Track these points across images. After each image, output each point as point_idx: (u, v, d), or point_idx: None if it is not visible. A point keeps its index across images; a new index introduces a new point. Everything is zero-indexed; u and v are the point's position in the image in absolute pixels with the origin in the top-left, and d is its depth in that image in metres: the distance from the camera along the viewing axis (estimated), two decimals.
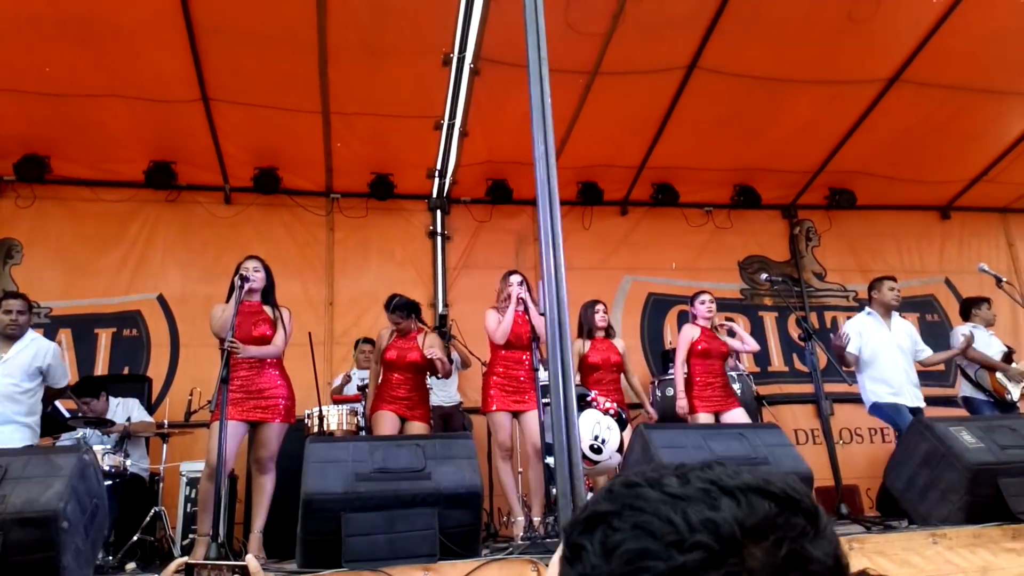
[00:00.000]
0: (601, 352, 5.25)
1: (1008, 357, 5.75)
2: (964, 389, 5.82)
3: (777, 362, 7.67)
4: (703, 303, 5.40)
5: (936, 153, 7.25)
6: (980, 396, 5.68)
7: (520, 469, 5.01)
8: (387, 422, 4.66)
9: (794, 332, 7.52)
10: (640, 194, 7.70)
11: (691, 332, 5.32)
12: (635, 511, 0.61)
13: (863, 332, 5.39)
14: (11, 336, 4.43)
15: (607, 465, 4.19)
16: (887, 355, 5.28)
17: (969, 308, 6.12)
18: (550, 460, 3.54)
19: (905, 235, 8.30)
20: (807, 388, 6.93)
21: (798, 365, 7.56)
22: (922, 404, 5.28)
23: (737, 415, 5.13)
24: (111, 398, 5.42)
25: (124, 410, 5.39)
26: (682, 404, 5.14)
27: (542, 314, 3.50)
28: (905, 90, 6.35)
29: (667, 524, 0.59)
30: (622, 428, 4.37)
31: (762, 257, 8.13)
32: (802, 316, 7.57)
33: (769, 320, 7.87)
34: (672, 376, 5.74)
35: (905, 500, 3.78)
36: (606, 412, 4.22)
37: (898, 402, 5.18)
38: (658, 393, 5.88)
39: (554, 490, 3.19)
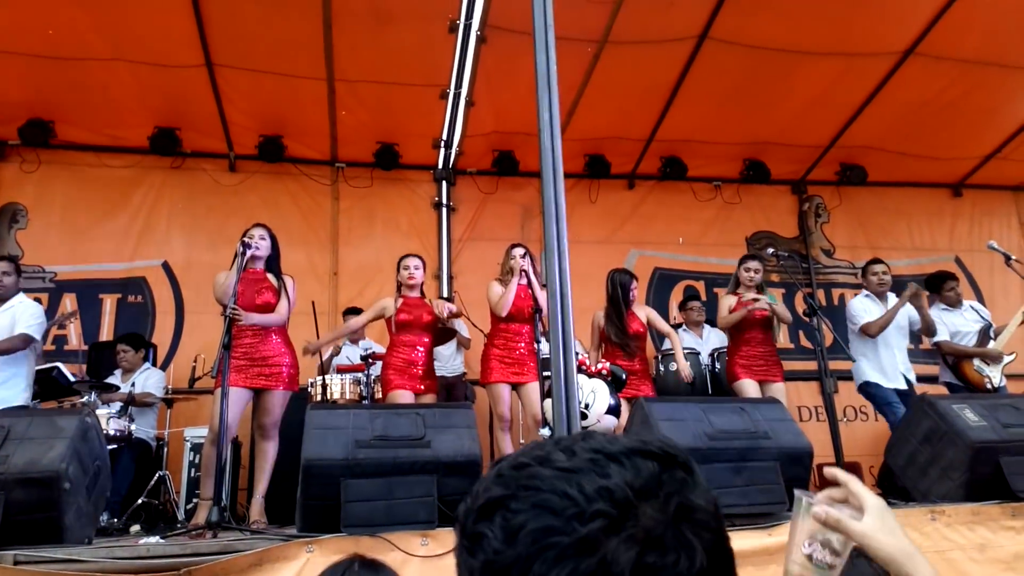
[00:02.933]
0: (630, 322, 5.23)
1: (985, 333, 5.56)
2: (944, 375, 5.69)
3: (782, 339, 7.61)
4: (748, 270, 5.34)
5: (949, 129, 7.13)
6: (959, 384, 5.54)
7: (522, 440, 5.02)
8: (404, 401, 4.58)
9: (801, 309, 7.47)
10: (648, 167, 7.63)
11: (728, 301, 5.30)
12: (531, 491, 0.63)
13: (867, 309, 5.37)
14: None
15: (599, 428, 4.18)
16: (884, 337, 5.26)
17: (934, 287, 5.89)
18: (545, 432, 3.55)
19: (916, 212, 8.21)
20: (812, 365, 6.90)
21: (804, 342, 7.53)
22: (912, 379, 5.27)
23: (780, 390, 5.10)
24: (148, 363, 5.66)
25: (144, 377, 5.47)
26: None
27: (544, 287, 3.49)
28: (919, 64, 6.22)
29: (565, 499, 0.61)
30: (618, 388, 4.35)
31: (770, 233, 8.07)
32: (808, 293, 7.52)
33: (776, 296, 7.82)
34: (672, 351, 5.73)
35: (906, 477, 3.78)
36: (596, 374, 4.20)
37: (891, 387, 5.17)
38: (660, 368, 5.86)
39: None
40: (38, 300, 5.23)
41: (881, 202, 8.11)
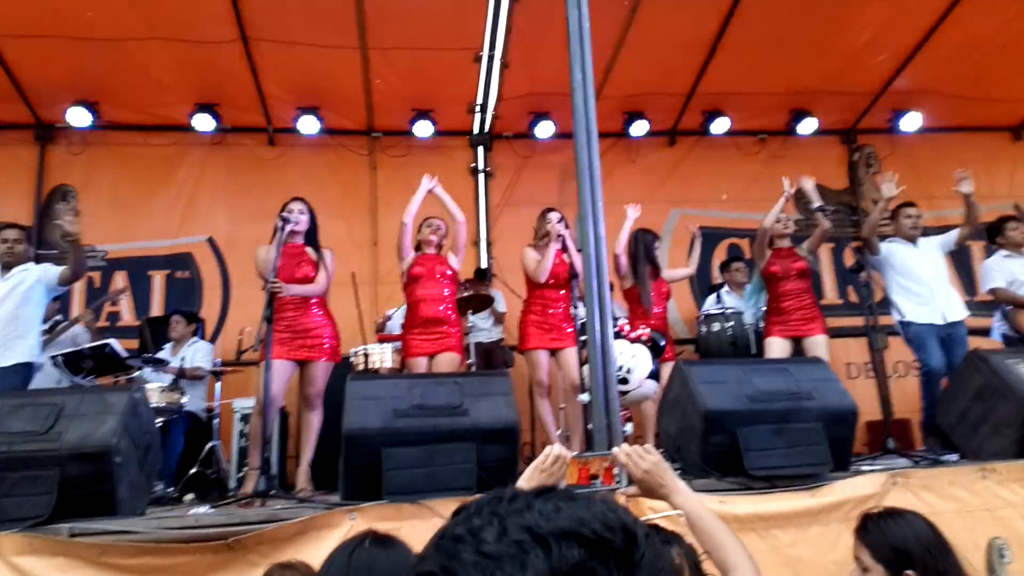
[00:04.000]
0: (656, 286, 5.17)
1: None
2: (998, 326, 5.39)
3: (831, 295, 7.44)
4: (777, 222, 5.24)
5: (1009, 69, 6.74)
6: (1015, 335, 5.22)
7: (562, 405, 5.03)
8: (418, 368, 4.55)
9: (849, 263, 7.25)
10: (689, 123, 7.42)
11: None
12: (450, 574, 0.64)
13: (889, 256, 5.17)
14: (7, 264, 4.46)
15: (640, 393, 4.16)
16: (914, 272, 5.05)
17: (992, 235, 5.55)
18: (584, 397, 3.53)
19: (973, 158, 7.78)
20: (860, 321, 6.69)
21: (852, 297, 7.32)
22: (962, 315, 5.01)
23: (819, 343, 4.97)
24: (196, 336, 5.86)
25: (193, 351, 5.64)
26: None
27: (580, 250, 3.44)
28: (976, 0, 5.86)
29: None
30: (657, 354, 4.31)
31: (819, 185, 7.75)
32: (858, 247, 7.28)
33: (824, 251, 7.59)
34: (717, 311, 5.63)
35: (956, 434, 3.66)
36: (636, 340, 4.16)
37: (928, 321, 4.92)
38: (703, 329, 5.76)
39: (590, 425, 3.18)
40: (90, 279, 5.38)
41: (936, 149, 7.74)
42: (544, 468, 1.57)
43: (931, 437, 4.24)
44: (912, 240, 5.21)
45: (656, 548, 0.67)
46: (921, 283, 5.02)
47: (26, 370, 4.38)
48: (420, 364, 4.56)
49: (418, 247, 4.87)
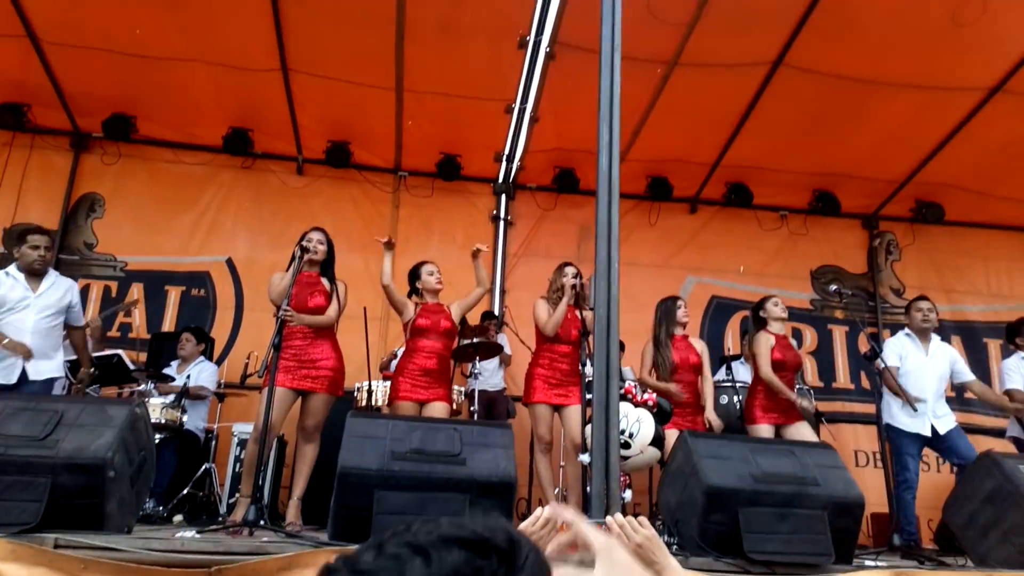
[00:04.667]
0: (680, 351, 5.09)
1: None
2: (1012, 428, 5.35)
3: (843, 378, 7.36)
4: (777, 305, 5.19)
5: None
6: None
7: (562, 463, 4.95)
8: (404, 412, 4.53)
9: (864, 349, 7.20)
10: (712, 193, 7.48)
11: (768, 340, 5.05)
12: None
13: (902, 353, 5.13)
14: (36, 272, 4.55)
15: (641, 460, 4.08)
16: (917, 378, 5.02)
17: (1012, 335, 5.51)
18: (584, 457, 3.47)
19: (995, 256, 7.80)
20: (872, 408, 6.61)
21: (865, 383, 7.23)
22: (950, 427, 4.97)
23: (802, 430, 4.89)
24: (203, 356, 5.86)
25: (198, 370, 5.63)
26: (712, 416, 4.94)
27: (591, 309, 3.43)
28: (1008, 101, 5.92)
29: None
30: (662, 421, 4.24)
31: (837, 267, 7.80)
32: (872, 333, 7.23)
33: (839, 334, 7.55)
34: (727, 383, 5.57)
35: (964, 537, 3.56)
36: (641, 404, 4.09)
37: (915, 431, 4.92)
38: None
39: (588, 488, 3.12)
40: (107, 287, 5.45)
41: (958, 243, 7.74)
42: (533, 531, 1.52)
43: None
44: (924, 336, 5.16)
45: (541, 556, 0.65)
46: (918, 394, 4.97)
47: (54, 384, 4.58)
48: (407, 408, 4.54)
49: (420, 293, 4.89)
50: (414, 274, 4.96)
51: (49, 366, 4.52)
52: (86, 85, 6.35)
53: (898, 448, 4.95)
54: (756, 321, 5.27)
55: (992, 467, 3.48)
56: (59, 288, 4.63)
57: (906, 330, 5.30)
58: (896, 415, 4.98)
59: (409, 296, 4.92)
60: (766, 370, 4.89)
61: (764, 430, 4.89)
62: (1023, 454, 4.58)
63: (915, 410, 4.86)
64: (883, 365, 4.78)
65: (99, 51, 5.86)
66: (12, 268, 4.54)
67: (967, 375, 5.22)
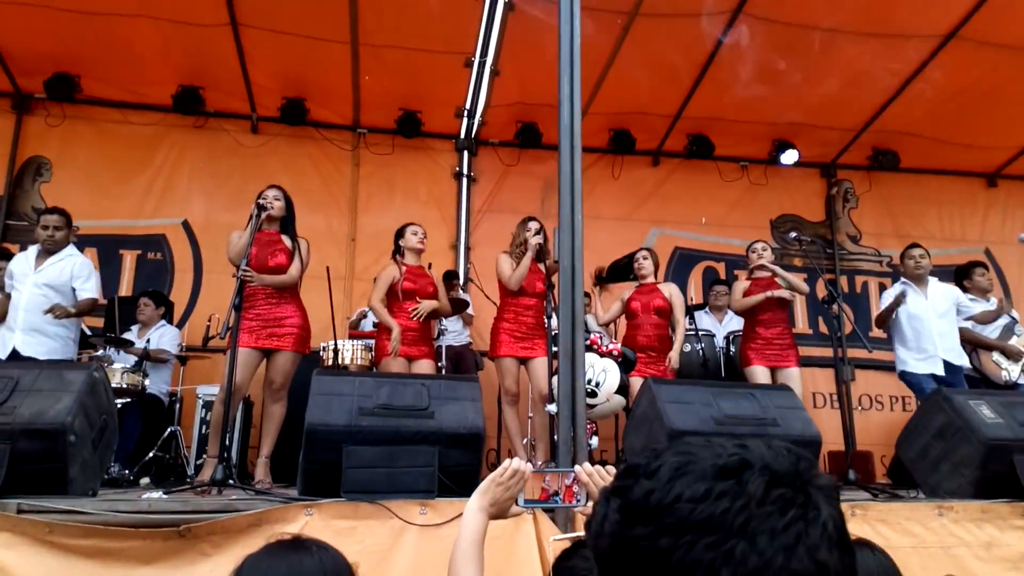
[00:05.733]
0: (642, 297, 5.16)
1: (1010, 329, 5.44)
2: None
3: (802, 324, 7.53)
4: (752, 251, 5.29)
5: (988, 117, 6.91)
6: (975, 375, 5.45)
7: (530, 414, 5.01)
8: (398, 368, 4.61)
9: (822, 295, 7.35)
10: (674, 145, 7.50)
11: (741, 286, 5.21)
12: (668, 450, 0.70)
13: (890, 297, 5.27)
14: (48, 251, 4.53)
15: (607, 408, 4.15)
16: (922, 322, 5.16)
17: (960, 278, 5.76)
18: (551, 407, 3.53)
19: (948, 201, 8.00)
20: (829, 352, 6.80)
21: (823, 328, 7.41)
22: (965, 364, 5.17)
23: (793, 375, 5.02)
24: (164, 320, 5.76)
25: (159, 335, 5.53)
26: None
27: (556, 262, 3.44)
28: (961, 48, 6.00)
29: (704, 448, 0.69)
30: (627, 369, 4.31)
31: (796, 216, 7.92)
32: (831, 279, 7.39)
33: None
34: (690, 331, 5.65)
35: (916, 470, 3.71)
36: (606, 354, 4.16)
37: (927, 372, 5.07)
38: None
39: (556, 436, 3.17)
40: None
41: (913, 190, 7.91)
42: (501, 481, 1.54)
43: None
44: (920, 281, 5.29)
45: None
46: (925, 336, 5.12)
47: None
48: (397, 365, 4.58)
49: (402, 252, 4.92)
50: (399, 234, 5.01)
51: (46, 346, 4.39)
52: (26, 43, 6.07)
53: (917, 387, 5.11)
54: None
55: (943, 402, 3.61)
56: (62, 266, 4.52)
57: (902, 278, 5.43)
58: (908, 362, 5.15)
59: (393, 256, 4.95)
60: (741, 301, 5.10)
61: (760, 372, 5.02)
62: (973, 390, 4.75)
63: (904, 300, 5.07)
64: (840, 311, 4.90)
65: (38, 7, 5.59)
66: (34, 246, 4.58)
67: (972, 310, 5.39)
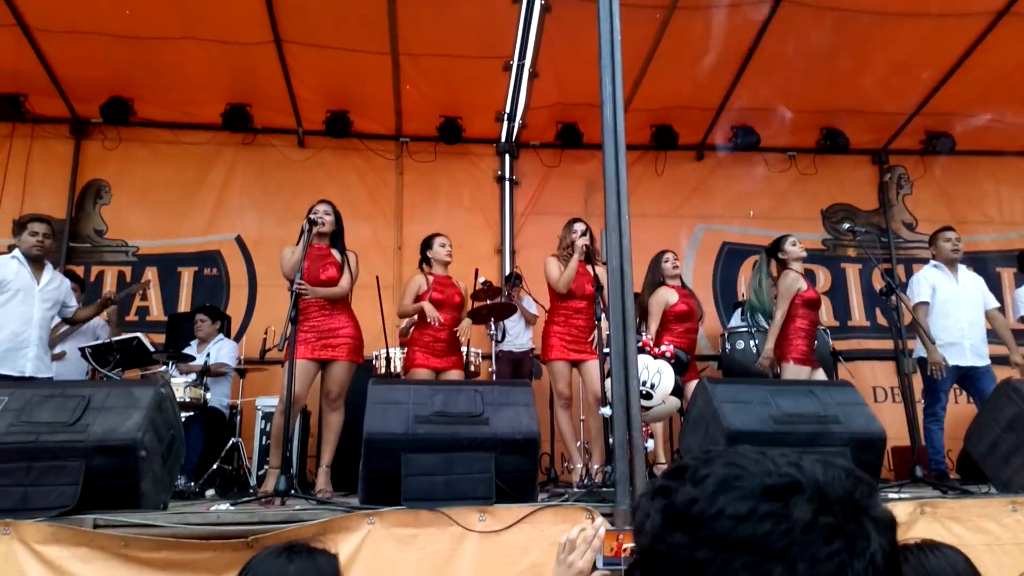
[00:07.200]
0: (687, 301, 5.12)
1: None
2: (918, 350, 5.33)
3: (858, 316, 7.35)
4: (795, 245, 5.14)
5: None
6: None
7: (583, 416, 4.99)
8: (423, 377, 4.71)
9: (878, 285, 7.16)
10: (718, 138, 7.38)
11: (797, 281, 4.97)
12: (721, 458, 0.69)
13: (935, 285, 5.11)
14: (36, 258, 4.51)
15: (662, 410, 4.11)
16: (952, 306, 5.01)
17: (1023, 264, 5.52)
18: (606, 410, 3.51)
19: (1007, 184, 7.70)
20: (888, 344, 6.61)
21: (880, 320, 7.22)
22: (983, 363, 4.98)
23: (818, 376, 4.91)
24: (221, 334, 5.93)
25: (217, 348, 5.69)
26: (769, 357, 4.87)
27: (604, 263, 3.42)
28: (1015, 24, 5.78)
29: (756, 462, 0.67)
30: (681, 371, 4.26)
31: (848, 205, 7.72)
32: (887, 269, 7.19)
33: (852, 272, 7.51)
34: (743, 328, 5.57)
35: (987, 465, 3.59)
36: (659, 356, 4.12)
37: (949, 363, 4.89)
38: (727, 345, 5.72)
39: (611, 439, 3.16)
40: (121, 273, 5.51)
41: (969, 172, 7.63)
42: (563, 559, 1.42)
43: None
44: (952, 265, 5.12)
45: None
46: (953, 323, 4.97)
47: None
48: (424, 375, 4.72)
49: (429, 263, 5.05)
50: (427, 245, 5.08)
51: (48, 364, 4.54)
52: (80, 70, 6.29)
53: (934, 382, 4.95)
54: (778, 263, 5.20)
55: (1012, 394, 3.49)
56: (56, 282, 4.63)
57: (933, 262, 5.26)
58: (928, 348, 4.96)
59: (420, 266, 5.01)
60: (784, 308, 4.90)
61: (799, 370, 4.82)
62: None
63: (933, 342, 4.85)
64: (898, 302, 4.76)
65: (90, 35, 5.79)
66: (17, 252, 4.50)
67: (993, 303, 5.22)
